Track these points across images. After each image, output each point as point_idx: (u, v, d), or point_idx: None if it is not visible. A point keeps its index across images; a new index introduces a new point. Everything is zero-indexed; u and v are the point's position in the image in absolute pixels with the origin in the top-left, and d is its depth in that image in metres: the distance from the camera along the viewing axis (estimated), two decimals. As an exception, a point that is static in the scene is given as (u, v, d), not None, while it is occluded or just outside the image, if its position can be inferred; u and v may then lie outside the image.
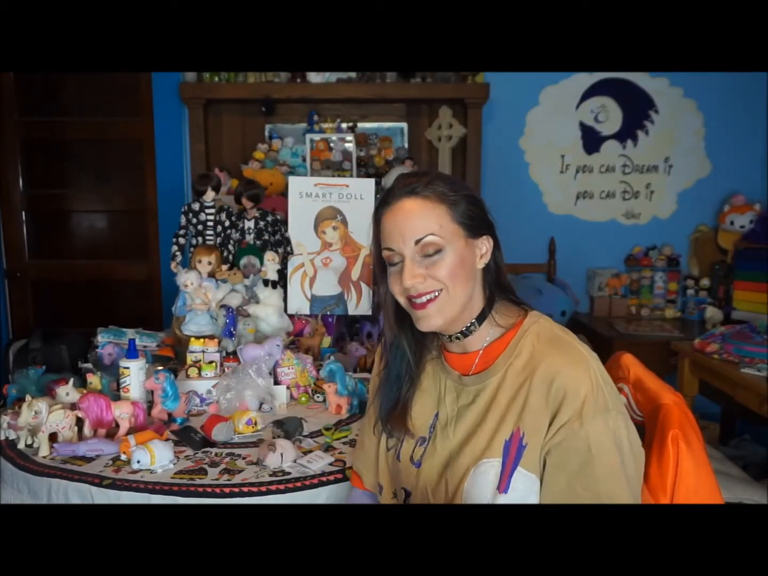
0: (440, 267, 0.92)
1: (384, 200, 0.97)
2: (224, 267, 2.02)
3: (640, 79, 3.17)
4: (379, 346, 1.13)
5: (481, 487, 0.91)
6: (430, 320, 0.94)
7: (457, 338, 0.99)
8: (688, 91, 3.17)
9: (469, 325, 0.97)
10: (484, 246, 0.97)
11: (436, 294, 0.93)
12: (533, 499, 0.89)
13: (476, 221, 0.96)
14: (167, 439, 1.38)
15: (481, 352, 0.98)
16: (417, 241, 0.92)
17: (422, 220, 0.92)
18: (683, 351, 2.47)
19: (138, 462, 1.27)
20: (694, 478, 0.95)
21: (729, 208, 3.09)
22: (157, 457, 1.28)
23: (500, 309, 0.99)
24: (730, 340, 2.27)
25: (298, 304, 2.11)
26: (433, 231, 0.92)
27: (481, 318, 0.98)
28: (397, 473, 1.05)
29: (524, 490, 0.89)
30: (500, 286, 1.00)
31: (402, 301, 0.97)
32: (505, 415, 0.92)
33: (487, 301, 0.98)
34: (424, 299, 0.93)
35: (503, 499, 0.89)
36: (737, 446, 2.86)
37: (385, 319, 1.04)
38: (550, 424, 0.88)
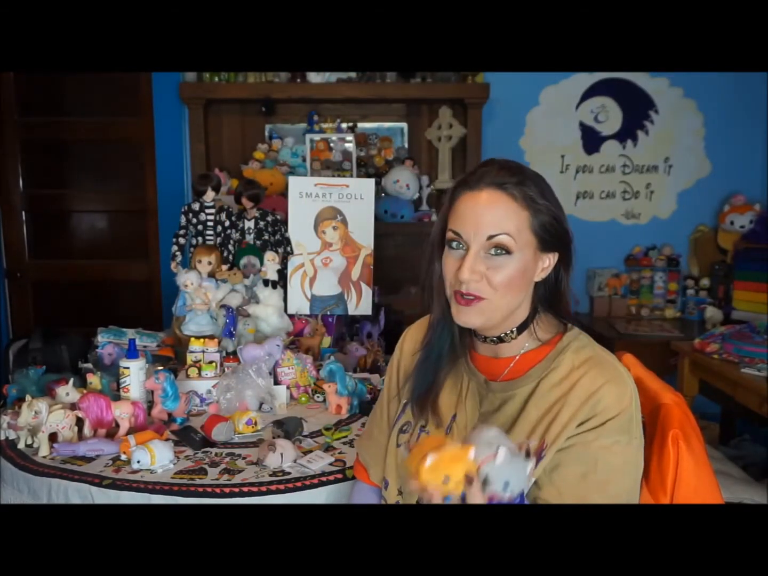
0: (501, 272, 0.88)
1: (467, 181, 0.91)
2: (224, 267, 2.02)
3: (640, 79, 3.16)
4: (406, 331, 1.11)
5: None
6: (469, 317, 0.91)
7: (492, 341, 0.96)
8: (688, 91, 3.17)
9: (508, 332, 0.95)
10: (548, 260, 0.93)
11: (483, 298, 0.89)
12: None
13: (553, 236, 0.91)
14: (167, 439, 1.39)
15: (517, 358, 0.95)
16: (490, 237, 0.87)
17: (502, 217, 0.87)
18: (683, 351, 2.47)
19: (138, 462, 1.27)
20: (694, 478, 0.95)
21: (729, 208, 3.09)
22: (157, 457, 1.28)
23: (542, 322, 0.96)
24: (730, 340, 2.27)
25: (298, 304, 2.11)
26: (509, 232, 0.87)
27: (521, 328, 0.95)
28: (401, 464, 1.02)
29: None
30: (551, 301, 0.96)
31: (449, 290, 0.93)
32: (535, 428, 0.89)
33: (531, 313, 0.95)
34: (471, 297, 0.89)
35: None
36: (737, 446, 2.86)
37: (436, 295, 0.98)
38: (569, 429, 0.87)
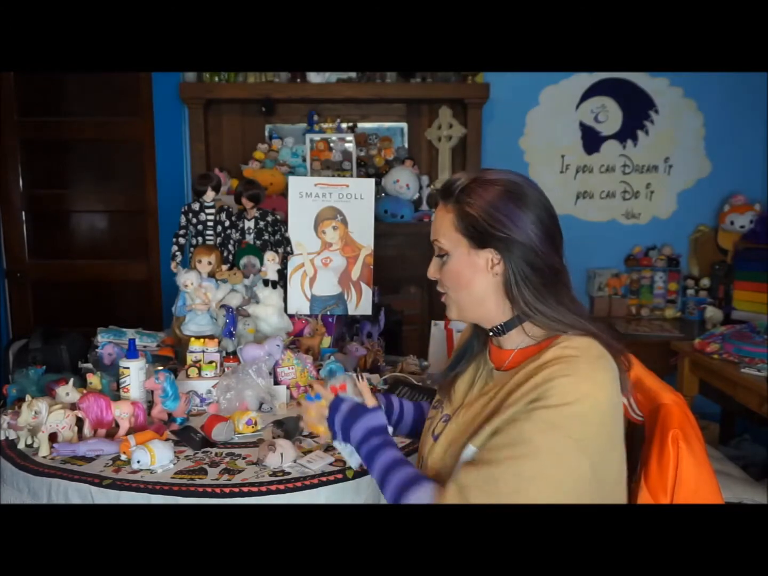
0: (444, 270, 1.02)
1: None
2: (224, 267, 2.01)
3: (640, 79, 3.16)
4: None
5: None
6: (448, 310, 1.05)
7: (493, 333, 1.03)
8: (688, 91, 3.17)
9: (496, 328, 1.01)
10: (486, 258, 0.96)
11: (444, 292, 1.04)
12: None
13: (483, 233, 0.95)
14: (167, 439, 1.38)
15: (514, 351, 1.00)
16: (434, 241, 1.03)
17: (439, 223, 1.02)
18: (683, 351, 2.47)
19: (138, 462, 1.27)
20: (694, 478, 0.95)
21: (729, 208, 3.09)
22: (157, 457, 1.28)
23: (534, 325, 0.97)
24: (730, 340, 2.27)
25: (298, 304, 2.11)
26: (438, 237, 1.02)
27: (509, 325, 1.00)
28: (423, 441, 1.11)
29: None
30: (528, 303, 0.95)
31: None
32: (498, 410, 0.93)
33: (516, 313, 0.98)
34: (442, 294, 1.05)
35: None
36: (737, 446, 2.86)
37: None
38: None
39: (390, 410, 1.23)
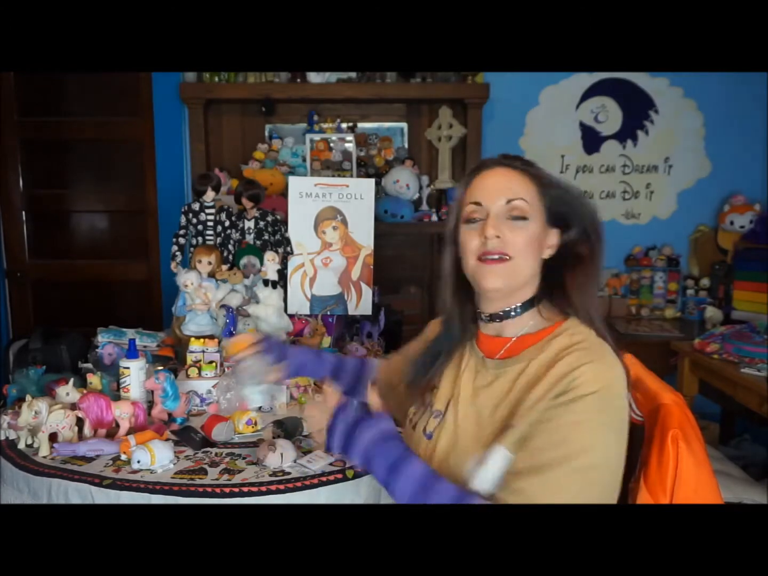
0: (520, 233, 0.96)
1: (479, 166, 1.02)
2: (224, 267, 2.02)
3: (640, 79, 3.16)
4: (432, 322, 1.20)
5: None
6: (495, 278, 0.97)
7: (497, 318, 1.01)
8: (688, 91, 3.16)
9: (514, 307, 0.99)
10: (553, 238, 1.00)
11: (508, 258, 0.96)
12: None
13: (559, 212, 0.99)
14: (167, 439, 1.39)
15: (514, 339, 1.00)
16: (509, 201, 0.96)
17: (517, 185, 0.98)
18: (683, 351, 2.47)
19: (138, 462, 1.27)
20: (694, 478, 0.95)
21: (729, 208, 3.09)
22: (157, 457, 1.28)
23: (545, 307, 1.01)
24: (730, 340, 2.27)
25: (298, 304, 2.11)
26: (525, 198, 0.97)
27: (526, 306, 1.00)
28: (410, 442, 1.06)
29: (502, 470, 0.89)
30: (555, 287, 1.00)
31: (472, 261, 0.99)
32: (518, 404, 0.92)
33: (538, 292, 1.01)
34: (496, 256, 0.96)
35: (483, 475, 0.90)
36: (737, 446, 2.86)
37: (446, 290, 1.07)
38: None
39: (337, 366, 1.27)
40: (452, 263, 1.05)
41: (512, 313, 1.00)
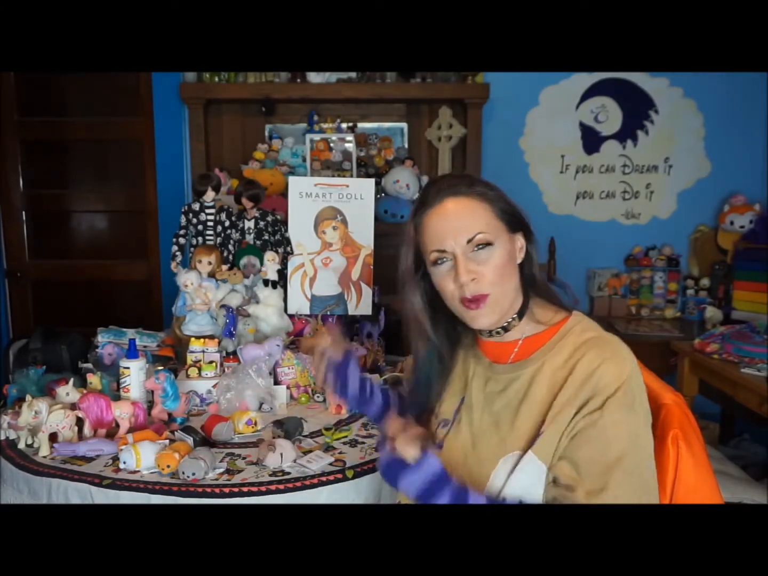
0: (490, 263, 0.94)
1: (424, 202, 0.98)
2: (224, 267, 2.01)
3: (640, 79, 3.16)
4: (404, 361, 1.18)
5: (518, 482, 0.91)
6: (483, 319, 0.96)
7: (498, 333, 1.00)
8: (688, 91, 3.16)
9: (510, 320, 0.99)
10: (520, 241, 1.00)
11: (488, 294, 0.95)
12: (539, 488, 0.89)
13: (513, 217, 0.99)
14: (166, 439, 1.38)
15: (521, 341, 1.00)
16: (469, 240, 0.94)
17: (471, 218, 0.95)
18: (683, 351, 2.47)
19: (124, 463, 1.27)
20: (694, 478, 0.95)
21: (729, 208, 3.09)
22: (143, 461, 1.27)
23: (537, 306, 1.01)
24: (730, 340, 2.27)
25: (298, 304, 2.11)
26: (482, 229, 0.94)
27: (520, 313, 1.00)
28: None
29: (532, 477, 0.89)
30: (535, 282, 1.02)
31: (455, 303, 0.97)
32: (540, 408, 0.93)
33: (525, 297, 1.01)
34: (476, 298, 0.95)
35: (510, 481, 0.90)
36: (737, 446, 2.86)
37: (417, 331, 1.05)
38: (576, 413, 0.89)
39: (363, 390, 1.22)
40: (424, 300, 1.03)
41: (511, 323, 1.00)
